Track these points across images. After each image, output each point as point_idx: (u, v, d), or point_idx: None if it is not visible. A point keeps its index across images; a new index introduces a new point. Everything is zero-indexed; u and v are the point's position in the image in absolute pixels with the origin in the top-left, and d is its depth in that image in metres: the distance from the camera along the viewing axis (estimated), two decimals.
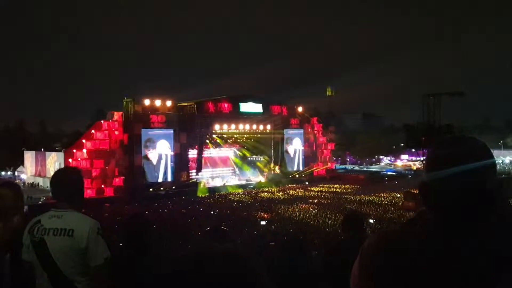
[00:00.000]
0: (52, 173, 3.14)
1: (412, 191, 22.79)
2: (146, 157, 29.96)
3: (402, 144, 57.59)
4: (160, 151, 30.46)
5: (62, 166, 26.63)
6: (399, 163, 64.23)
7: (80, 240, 2.76)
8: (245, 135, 36.59)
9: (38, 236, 2.79)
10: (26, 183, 36.56)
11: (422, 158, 30.27)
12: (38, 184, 35.29)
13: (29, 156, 39.97)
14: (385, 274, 1.21)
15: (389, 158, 69.64)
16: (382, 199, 26.19)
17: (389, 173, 48.93)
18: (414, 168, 52.46)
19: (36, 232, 2.81)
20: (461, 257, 1.13)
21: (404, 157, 65.82)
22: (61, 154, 31.25)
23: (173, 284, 0.90)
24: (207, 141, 34.15)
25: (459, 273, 1.11)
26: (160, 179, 30.61)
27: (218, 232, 3.45)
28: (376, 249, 1.29)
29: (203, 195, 29.78)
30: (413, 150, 38.73)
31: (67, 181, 2.98)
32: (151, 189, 28.91)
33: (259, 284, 0.92)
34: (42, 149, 39.22)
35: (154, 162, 30.42)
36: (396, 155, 68.73)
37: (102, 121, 28.72)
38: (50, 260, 2.72)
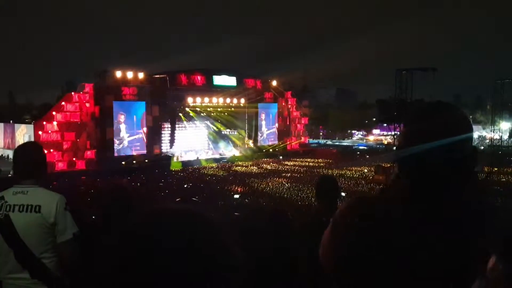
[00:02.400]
0: None
1: (383, 165, 23.17)
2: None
3: (374, 119, 58.29)
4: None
5: (32, 138, 26.07)
6: (371, 137, 65.07)
7: (47, 216, 2.71)
8: (219, 109, 36.37)
9: (2, 213, 2.72)
10: None
11: (393, 133, 30.70)
12: (8, 156, 34.50)
13: None
14: (360, 242, 1.20)
15: (361, 133, 70.45)
16: (354, 172, 26.58)
17: (361, 147, 49.54)
18: (386, 143, 53.24)
19: (0, 209, 2.75)
20: (444, 222, 1.13)
21: (376, 131, 66.68)
22: (31, 126, 30.57)
23: (123, 251, 0.79)
24: (180, 114, 33.82)
25: (443, 236, 1.11)
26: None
27: (188, 203, 3.40)
28: (348, 216, 1.28)
29: (176, 169, 29.67)
30: (385, 124, 39.26)
31: (31, 156, 2.90)
32: (123, 162, 28.62)
33: (222, 245, 0.83)
34: (11, 121, 38.23)
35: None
36: (368, 129, 69.55)
37: (72, 93, 28.08)
38: (17, 237, 2.65)
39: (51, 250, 2.76)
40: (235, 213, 12.76)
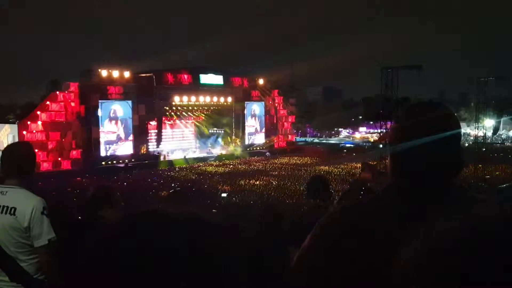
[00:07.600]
0: (5, 145, 2.95)
1: (370, 162, 23.22)
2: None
3: (361, 117, 58.59)
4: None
5: (16, 138, 25.74)
6: (357, 135, 65.37)
7: (22, 219, 2.64)
8: (206, 108, 36.27)
9: None
10: None
11: (379, 131, 30.89)
12: None
13: None
14: (347, 247, 1.19)
15: (348, 131, 70.74)
16: (341, 170, 26.67)
17: (347, 145, 49.72)
18: (372, 140, 53.57)
19: None
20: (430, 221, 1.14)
21: (362, 129, 67.02)
22: (15, 126, 30.13)
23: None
24: (167, 113, 33.66)
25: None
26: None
27: (179, 194, 3.37)
28: (337, 222, 1.28)
29: (163, 168, 29.52)
30: (371, 122, 39.51)
31: (15, 156, 2.83)
32: (109, 162, 28.38)
33: (232, 272, 0.65)
34: None
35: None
36: (355, 127, 69.88)
37: (57, 92, 27.77)
38: None
39: (27, 253, 2.69)
40: (213, 210, 12.77)
